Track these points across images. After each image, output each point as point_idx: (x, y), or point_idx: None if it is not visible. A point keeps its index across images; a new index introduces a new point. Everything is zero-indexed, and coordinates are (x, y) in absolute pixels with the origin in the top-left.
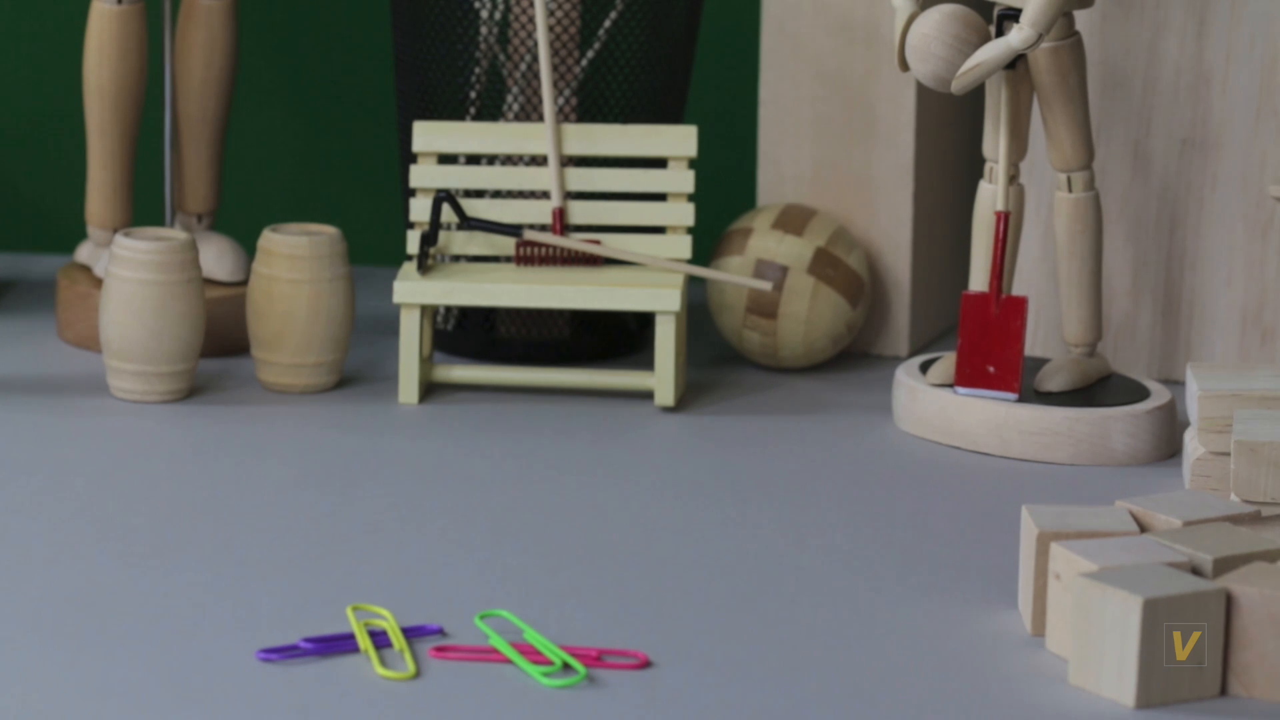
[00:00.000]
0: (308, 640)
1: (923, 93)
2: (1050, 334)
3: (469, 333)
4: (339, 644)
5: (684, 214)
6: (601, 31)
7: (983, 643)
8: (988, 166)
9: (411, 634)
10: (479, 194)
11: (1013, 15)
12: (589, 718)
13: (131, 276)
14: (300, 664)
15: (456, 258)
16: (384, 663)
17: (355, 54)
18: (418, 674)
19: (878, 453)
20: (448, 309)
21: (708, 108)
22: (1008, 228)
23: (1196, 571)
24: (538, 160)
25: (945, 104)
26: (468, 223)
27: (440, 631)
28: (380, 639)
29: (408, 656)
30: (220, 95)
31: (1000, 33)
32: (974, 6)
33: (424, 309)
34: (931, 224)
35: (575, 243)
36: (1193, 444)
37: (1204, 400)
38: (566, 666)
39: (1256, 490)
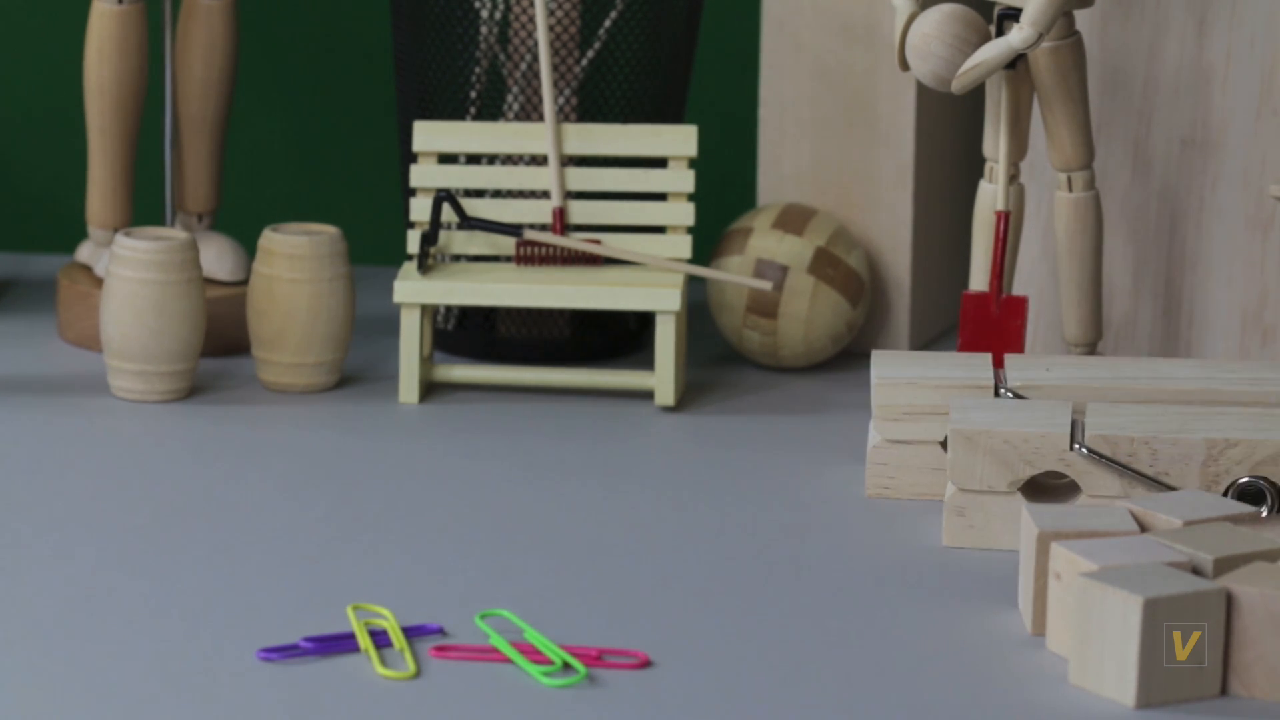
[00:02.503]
0: (308, 640)
1: (923, 93)
2: (1050, 334)
3: (469, 332)
4: (339, 644)
5: (684, 214)
6: (602, 31)
7: (983, 643)
8: (988, 166)
9: (412, 633)
10: (479, 194)
11: (1013, 15)
12: (589, 717)
13: (132, 276)
14: (300, 664)
15: (457, 257)
16: (384, 662)
17: (355, 54)
18: (418, 673)
19: None
20: (448, 308)
21: (708, 108)
22: (1008, 227)
23: (1197, 571)
24: (538, 160)
25: (945, 104)
26: (468, 222)
27: (440, 631)
28: (381, 639)
29: (408, 656)
30: (220, 95)
31: (1000, 32)
32: (974, 6)
33: (424, 308)
34: (931, 224)
35: (575, 242)
36: (871, 432)
37: (879, 388)
38: (567, 666)
39: (973, 478)
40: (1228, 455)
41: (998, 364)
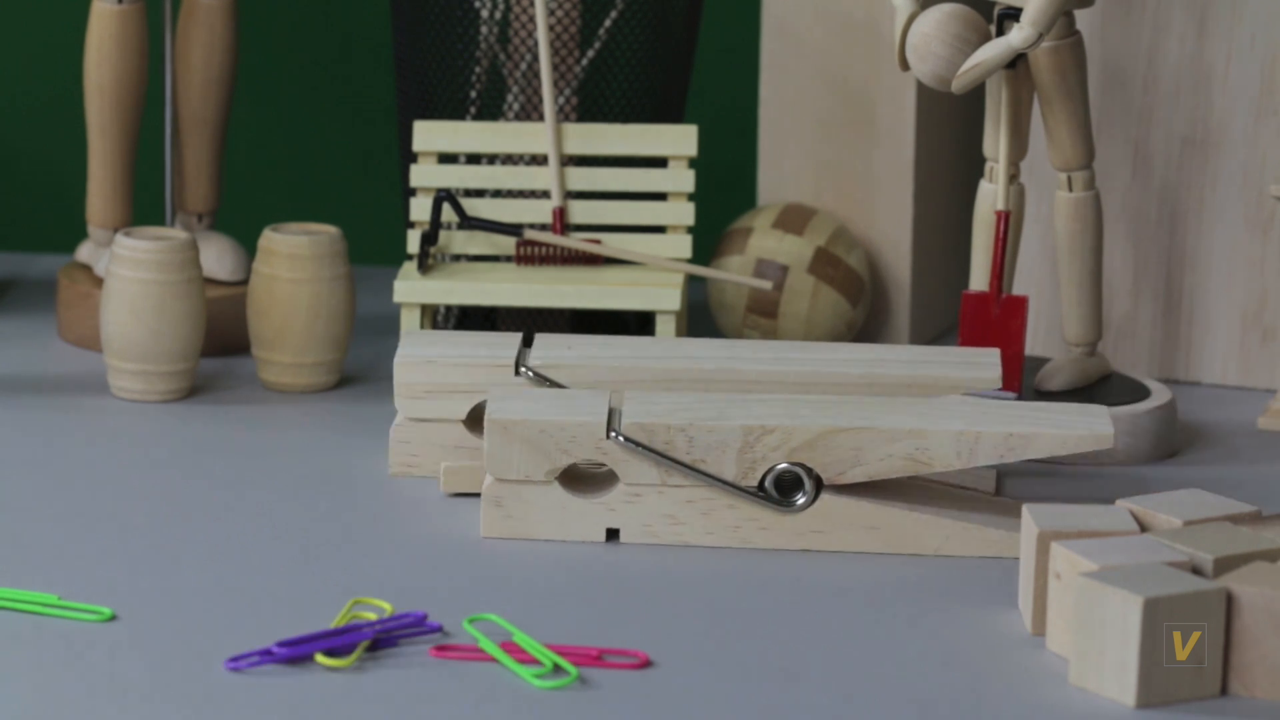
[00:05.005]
0: (281, 644)
1: (923, 93)
2: (1050, 334)
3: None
4: (313, 646)
5: (684, 213)
6: (602, 31)
7: (983, 643)
8: (988, 166)
9: (411, 633)
10: (479, 193)
11: (1013, 14)
12: (589, 718)
13: (132, 276)
14: (300, 664)
15: (457, 257)
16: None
17: (355, 54)
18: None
19: None
20: (448, 308)
21: (708, 108)
22: (1008, 227)
23: (1197, 571)
24: (538, 160)
25: (945, 104)
26: (468, 222)
27: (440, 630)
28: (386, 641)
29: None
30: (220, 95)
31: (1000, 32)
32: (974, 6)
33: (424, 308)
34: (931, 224)
35: (575, 242)
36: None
37: (400, 367)
38: (557, 668)
39: (510, 468)
40: (764, 442)
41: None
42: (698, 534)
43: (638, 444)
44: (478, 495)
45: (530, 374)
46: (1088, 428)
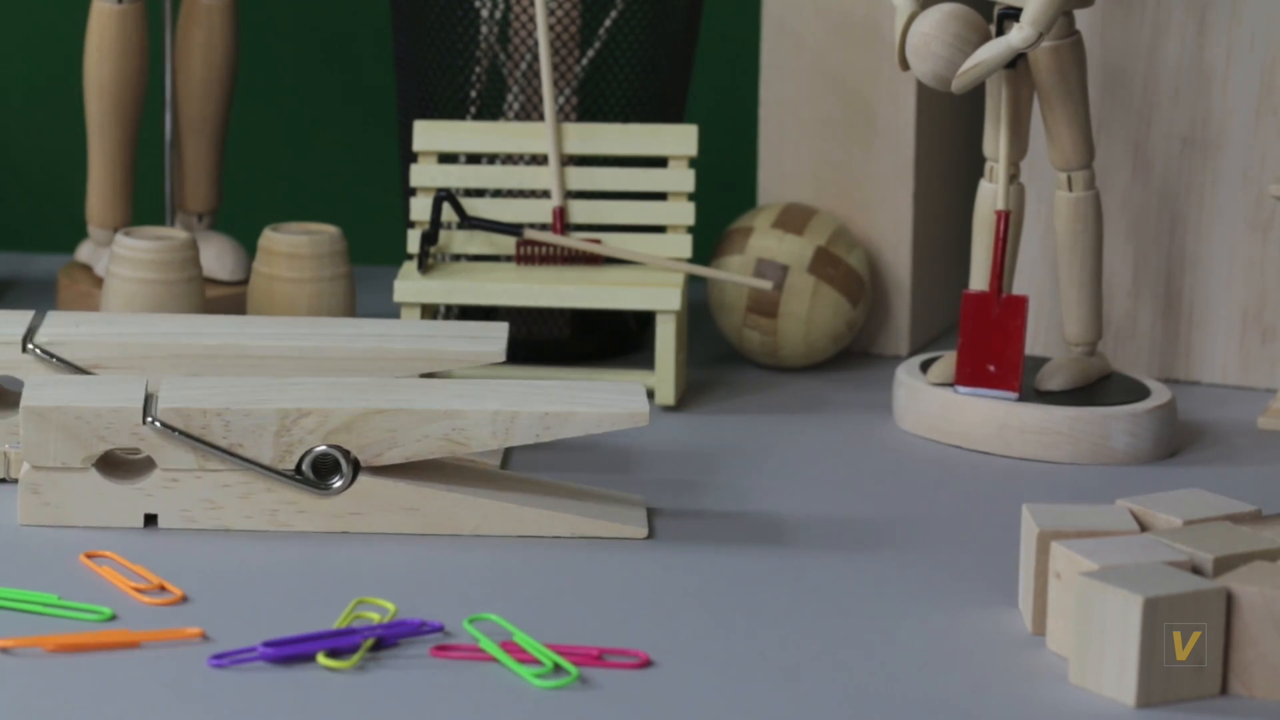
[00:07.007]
0: (268, 644)
1: (923, 93)
2: (1050, 333)
3: None
4: (303, 646)
5: (684, 213)
6: (602, 31)
7: (983, 642)
8: (988, 165)
9: (412, 632)
10: (479, 193)
11: (1013, 14)
12: (589, 717)
13: (132, 276)
14: (299, 664)
15: (457, 257)
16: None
17: (355, 54)
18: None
19: (878, 452)
20: (448, 308)
21: (708, 108)
22: (1008, 227)
23: (1197, 571)
24: (538, 159)
25: (945, 104)
26: (468, 222)
27: (441, 629)
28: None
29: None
30: (220, 95)
31: (1000, 32)
32: (974, 6)
33: (424, 308)
34: (931, 224)
35: (576, 242)
36: None
37: None
38: (558, 668)
39: (47, 455)
40: (300, 425)
41: (997, 365)
42: (235, 518)
43: (174, 429)
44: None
45: (37, 351)
46: (624, 406)
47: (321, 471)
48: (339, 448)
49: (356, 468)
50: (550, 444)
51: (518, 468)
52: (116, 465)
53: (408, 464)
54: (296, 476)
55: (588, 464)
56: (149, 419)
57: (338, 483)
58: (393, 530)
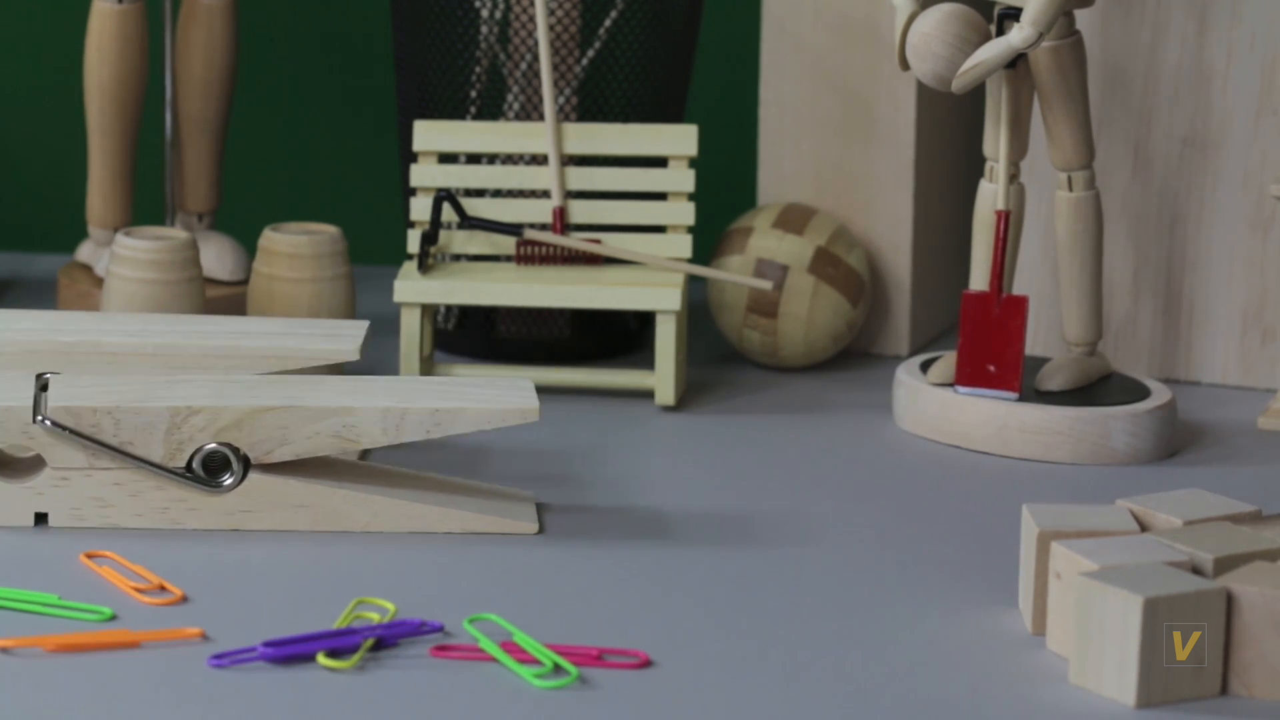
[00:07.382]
0: (268, 644)
1: (923, 92)
2: (1050, 333)
3: (469, 332)
4: (303, 646)
5: (684, 213)
6: (602, 31)
7: (983, 642)
8: (988, 165)
9: (412, 632)
10: (479, 193)
11: (1013, 14)
12: (589, 717)
13: (132, 276)
14: (299, 664)
15: (457, 257)
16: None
17: (355, 54)
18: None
19: (878, 452)
20: (448, 308)
21: (708, 108)
22: (1008, 227)
23: (1197, 571)
24: (538, 159)
25: (945, 104)
26: (468, 222)
27: (441, 629)
28: (388, 641)
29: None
30: (220, 95)
31: (1001, 32)
32: (974, 6)
33: (424, 308)
34: (931, 224)
35: (576, 242)
36: None
37: None
38: (558, 668)
39: None
40: (191, 423)
41: (997, 366)
42: (126, 516)
43: (65, 428)
44: None
45: None
46: (514, 402)
47: (212, 469)
48: (230, 445)
49: (247, 465)
50: (550, 444)
51: (488, 467)
52: (5, 464)
53: (299, 461)
54: (187, 474)
55: (588, 463)
56: (39, 417)
57: (228, 480)
58: (284, 528)
